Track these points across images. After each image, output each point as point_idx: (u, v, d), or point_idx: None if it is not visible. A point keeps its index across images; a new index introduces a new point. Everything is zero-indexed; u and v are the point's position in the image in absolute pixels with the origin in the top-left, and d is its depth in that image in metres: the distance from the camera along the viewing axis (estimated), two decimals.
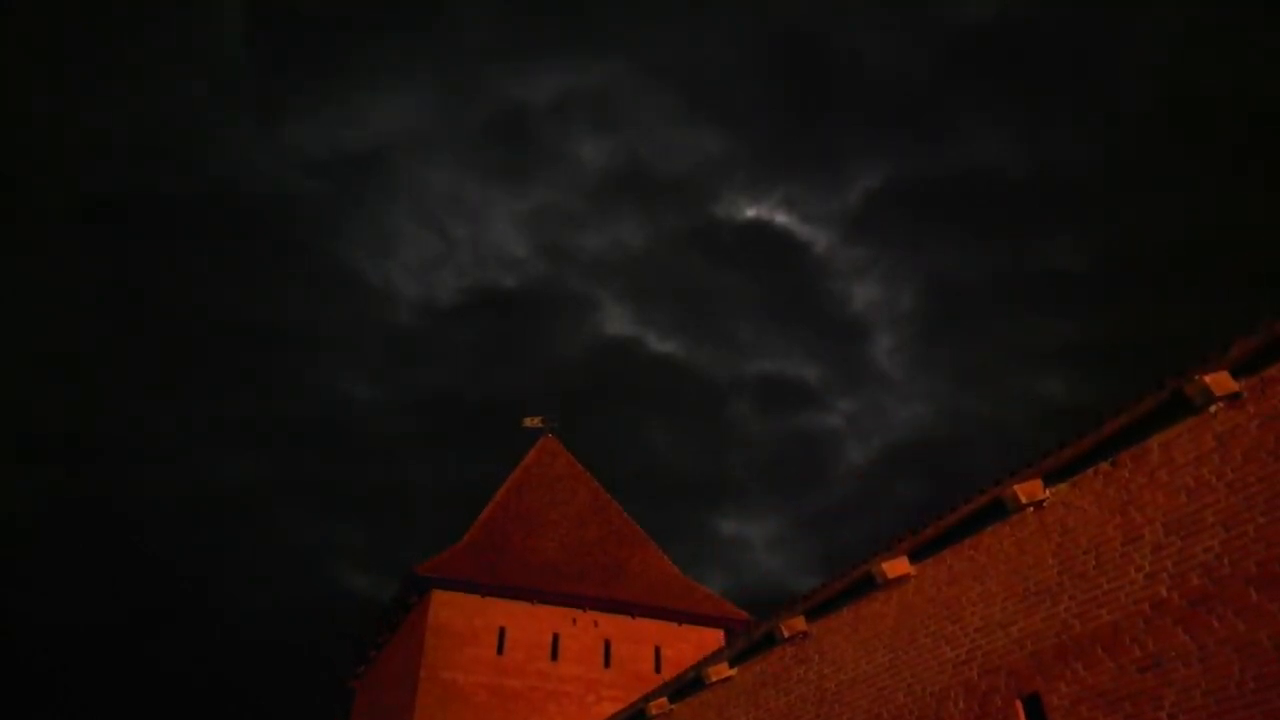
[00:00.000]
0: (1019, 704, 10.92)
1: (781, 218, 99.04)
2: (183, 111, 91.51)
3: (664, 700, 17.52)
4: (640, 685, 30.29)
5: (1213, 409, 9.75)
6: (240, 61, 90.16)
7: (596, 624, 31.36)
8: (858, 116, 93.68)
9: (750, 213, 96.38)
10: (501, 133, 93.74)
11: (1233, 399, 9.63)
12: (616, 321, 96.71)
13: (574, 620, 31.20)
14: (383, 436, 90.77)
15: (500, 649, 30.14)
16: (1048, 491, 11.27)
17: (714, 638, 32.60)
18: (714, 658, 16.33)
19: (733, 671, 15.92)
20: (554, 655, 30.52)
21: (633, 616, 31.81)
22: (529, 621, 30.71)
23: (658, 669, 31.27)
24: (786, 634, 14.52)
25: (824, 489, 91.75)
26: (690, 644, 32.19)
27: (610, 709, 28.49)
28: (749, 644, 15.54)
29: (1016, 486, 11.33)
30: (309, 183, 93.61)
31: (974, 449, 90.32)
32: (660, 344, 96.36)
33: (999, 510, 11.70)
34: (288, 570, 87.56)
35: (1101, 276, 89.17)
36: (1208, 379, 9.61)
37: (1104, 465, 10.73)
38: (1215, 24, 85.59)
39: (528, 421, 37.66)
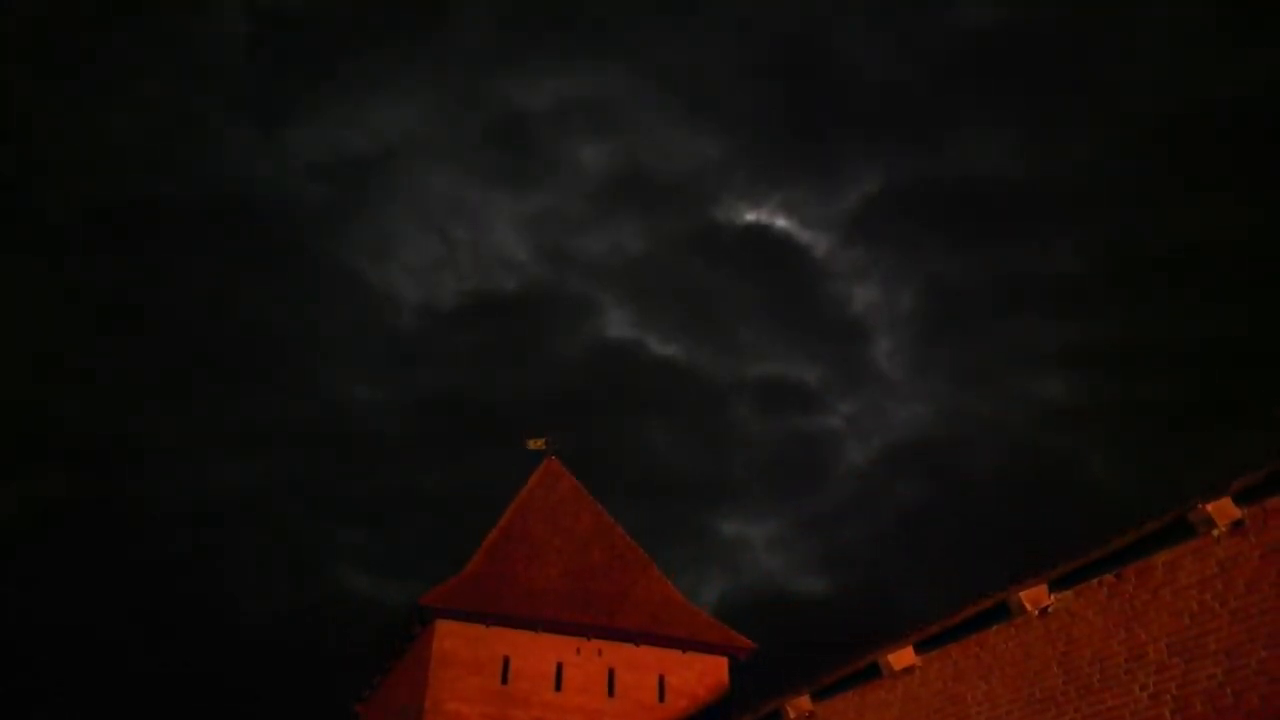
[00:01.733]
0: None
1: (781, 221, 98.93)
2: (185, 117, 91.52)
3: None
4: (643, 715, 30.50)
5: (1215, 533, 9.87)
6: (242, 67, 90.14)
7: (600, 653, 31.45)
8: (856, 121, 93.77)
9: (750, 216, 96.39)
10: (502, 137, 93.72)
11: (1236, 526, 9.75)
12: (617, 324, 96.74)
13: (578, 650, 31.28)
14: (384, 439, 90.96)
15: (504, 679, 30.22)
16: (1052, 598, 11.40)
17: (717, 665, 32.72)
18: None
19: None
20: (558, 685, 30.60)
21: (636, 645, 31.83)
22: (533, 651, 30.79)
23: (661, 698, 31.41)
24: (792, 714, 14.66)
25: (824, 490, 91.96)
26: (694, 672, 32.30)
27: None
28: None
29: (1021, 593, 11.46)
30: (311, 187, 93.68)
31: (974, 449, 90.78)
32: (661, 347, 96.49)
33: (1003, 613, 11.82)
34: (288, 572, 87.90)
35: (1101, 279, 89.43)
36: (1210, 508, 9.74)
37: (1108, 577, 10.87)
38: (1215, 29, 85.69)
39: (531, 443, 37.67)
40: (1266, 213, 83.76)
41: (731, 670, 32.72)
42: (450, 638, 30.34)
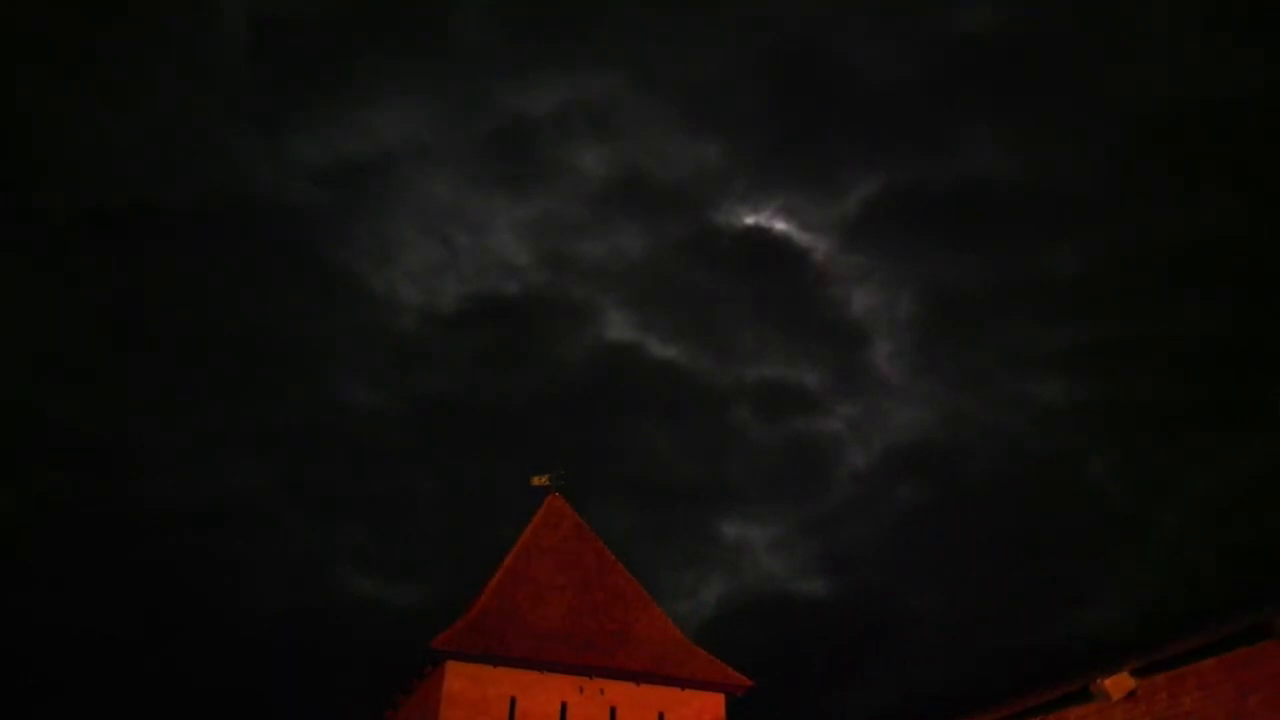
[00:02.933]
0: None
1: (780, 225, 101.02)
2: (188, 123, 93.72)
3: None
4: None
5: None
6: (243, 73, 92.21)
7: (603, 691, 33.57)
8: (854, 126, 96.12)
9: (749, 221, 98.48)
10: (502, 142, 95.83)
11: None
12: (618, 328, 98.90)
13: (581, 689, 33.40)
14: (386, 442, 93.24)
15: (511, 718, 32.39)
16: None
17: (715, 702, 34.77)
18: None
19: None
20: None
21: (637, 684, 33.92)
22: (538, 691, 32.94)
23: None
24: None
25: (824, 492, 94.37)
26: (692, 709, 34.39)
27: None
28: None
29: None
30: (314, 192, 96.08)
31: (973, 452, 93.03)
32: (662, 350, 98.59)
33: None
34: (290, 573, 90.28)
35: (1100, 281, 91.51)
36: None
37: None
38: (1215, 30, 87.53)
39: (535, 480, 39.56)
40: (1266, 213, 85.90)
41: (729, 706, 34.93)
42: (459, 679, 32.45)
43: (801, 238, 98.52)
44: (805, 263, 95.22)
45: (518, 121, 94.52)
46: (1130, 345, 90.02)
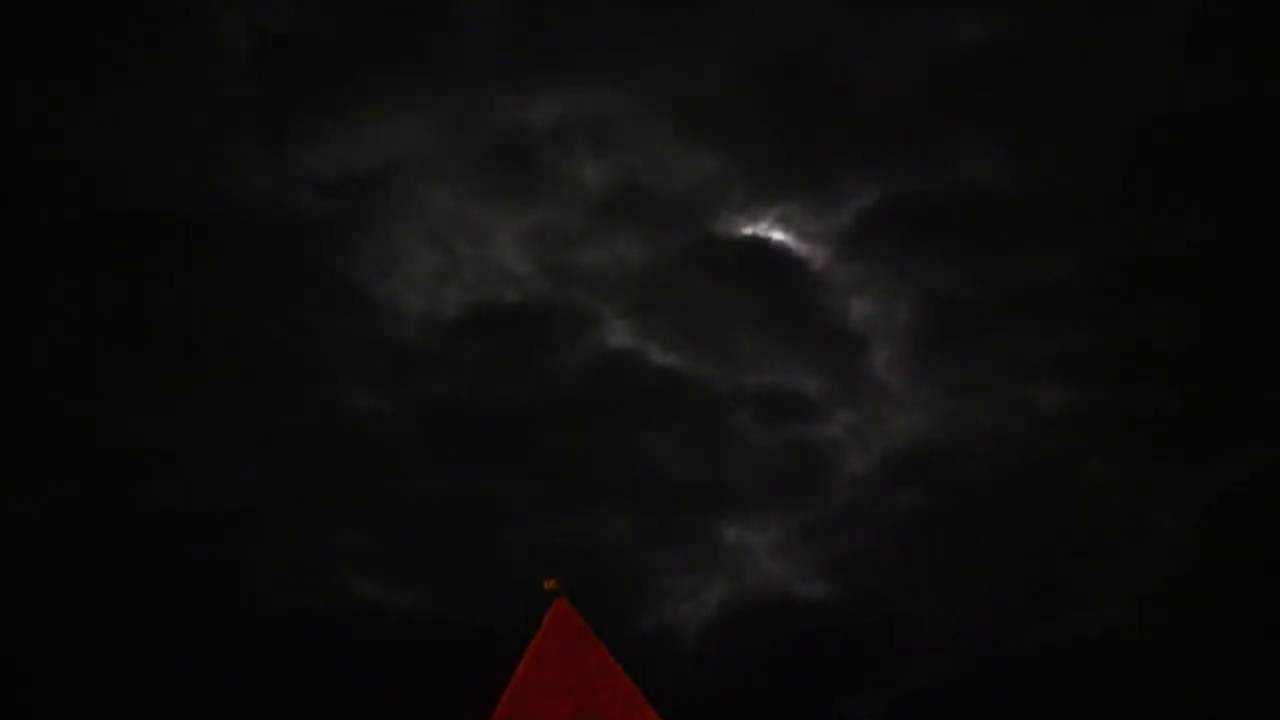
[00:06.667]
0: None
1: (778, 235, 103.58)
2: (191, 135, 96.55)
3: None
4: None
5: None
6: (247, 86, 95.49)
7: None
8: (852, 136, 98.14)
9: (748, 230, 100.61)
10: (504, 155, 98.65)
11: None
12: (619, 335, 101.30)
13: None
14: (388, 447, 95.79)
15: None
16: None
17: None
18: None
19: None
20: None
21: None
22: None
23: None
24: None
25: (824, 497, 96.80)
26: None
27: None
28: None
29: None
30: (317, 203, 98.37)
31: (972, 457, 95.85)
32: (662, 357, 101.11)
33: None
34: (293, 577, 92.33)
35: (1100, 288, 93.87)
36: None
37: None
38: (1213, 42, 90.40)
39: (547, 584, 42.26)
40: (1263, 220, 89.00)
41: None
42: None
43: (800, 247, 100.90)
44: (804, 271, 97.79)
45: (518, 133, 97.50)
46: (1129, 351, 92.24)
